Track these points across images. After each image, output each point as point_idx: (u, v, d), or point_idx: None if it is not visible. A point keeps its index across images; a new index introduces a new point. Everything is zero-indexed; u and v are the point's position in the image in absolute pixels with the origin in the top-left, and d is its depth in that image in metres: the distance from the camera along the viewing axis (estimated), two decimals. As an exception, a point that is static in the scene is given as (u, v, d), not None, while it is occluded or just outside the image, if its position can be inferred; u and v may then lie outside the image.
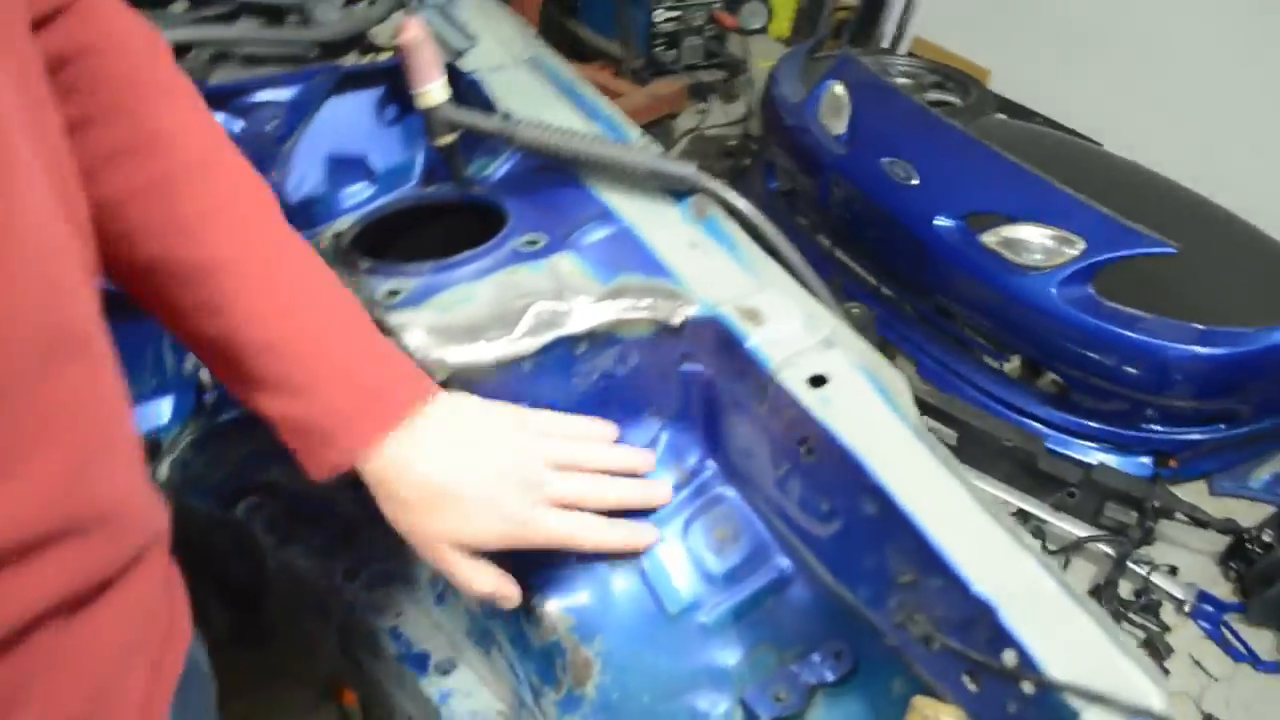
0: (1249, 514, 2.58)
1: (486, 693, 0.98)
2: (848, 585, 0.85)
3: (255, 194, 0.73)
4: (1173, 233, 2.52)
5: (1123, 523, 2.49)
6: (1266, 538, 2.43)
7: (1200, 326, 2.42)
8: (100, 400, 0.56)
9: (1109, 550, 2.41)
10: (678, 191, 1.02)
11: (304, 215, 1.17)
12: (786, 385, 0.84)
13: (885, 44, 4.46)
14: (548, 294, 0.89)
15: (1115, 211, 2.56)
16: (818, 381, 0.84)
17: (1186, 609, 2.39)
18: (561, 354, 0.89)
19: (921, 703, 0.83)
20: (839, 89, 3.12)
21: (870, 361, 0.87)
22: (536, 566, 0.95)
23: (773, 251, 0.97)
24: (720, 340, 0.89)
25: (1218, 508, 2.59)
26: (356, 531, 1.15)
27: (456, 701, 0.98)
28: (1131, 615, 2.33)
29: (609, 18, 3.92)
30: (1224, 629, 2.39)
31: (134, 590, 0.60)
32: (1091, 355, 2.52)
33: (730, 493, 0.95)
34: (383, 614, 1.06)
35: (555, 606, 0.93)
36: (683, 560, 0.94)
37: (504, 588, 0.79)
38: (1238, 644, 2.36)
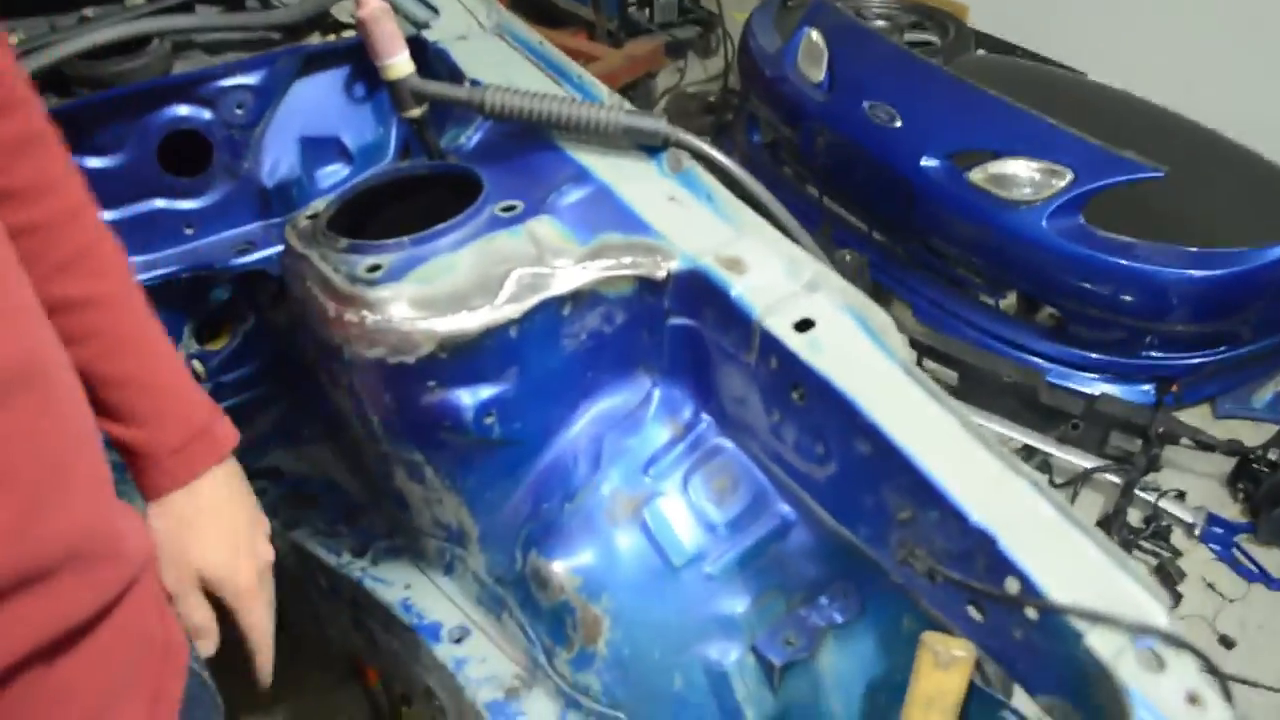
0: (1254, 435, 2.58)
1: (500, 657, 1.00)
2: (848, 526, 0.86)
3: (114, 240, 0.75)
4: (1160, 157, 2.51)
5: (1128, 451, 2.50)
6: (1273, 456, 2.44)
7: (1194, 249, 2.41)
8: (55, 433, 0.54)
9: (1116, 480, 2.42)
10: (652, 147, 1.02)
11: (281, 199, 1.17)
12: (773, 331, 0.84)
13: (861, -14, 4.42)
14: (528, 259, 0.90)
15: (1101, 140, 2.55)
16: (804, 326, 0.85)
17: (1196, 532, 2.40)
18: (547, 317, 0.89)
19: (931, 638, 0.84)
20: (815, 35, 3.10)
21: (856, 301, 0.87)
22: (540, 526, 0.96)
23: (751, 199, 0.97)
24: (704, 291, 0.90)
25: (1222, 430, 2.60)
26: (360, 511, 1.17)
27: (471, 668, 0.99)
28: (1142, 542, 2.35)
29: (580, -23, 3.89)
30: (1235, 550, 2.41)
31: (123, 623, 0.59)
32: (1087, 286, 2.51)
33: (727, 444, 0.96)
34: (392, 587, 1.07)
35: (562, 567, 0.94)
36: (684, 513, 0.95)
37: (211, 630, 0.81)
38: (1249, 564, 2.38)
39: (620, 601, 0.93)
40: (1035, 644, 0.73)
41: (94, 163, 1.04)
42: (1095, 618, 0.69)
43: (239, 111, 1.10)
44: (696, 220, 0.95)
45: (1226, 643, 2.22)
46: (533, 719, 0.95)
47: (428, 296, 0.87)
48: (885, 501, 0.80)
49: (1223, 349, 2.62)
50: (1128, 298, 2.49)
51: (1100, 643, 0.68)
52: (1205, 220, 2.48)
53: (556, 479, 0.97)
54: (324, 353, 0.94)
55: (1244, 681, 2.15)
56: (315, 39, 1.18)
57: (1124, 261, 2.44)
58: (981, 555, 0.74)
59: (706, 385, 0.96)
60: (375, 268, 0.88)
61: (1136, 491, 2.42)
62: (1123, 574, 0.72)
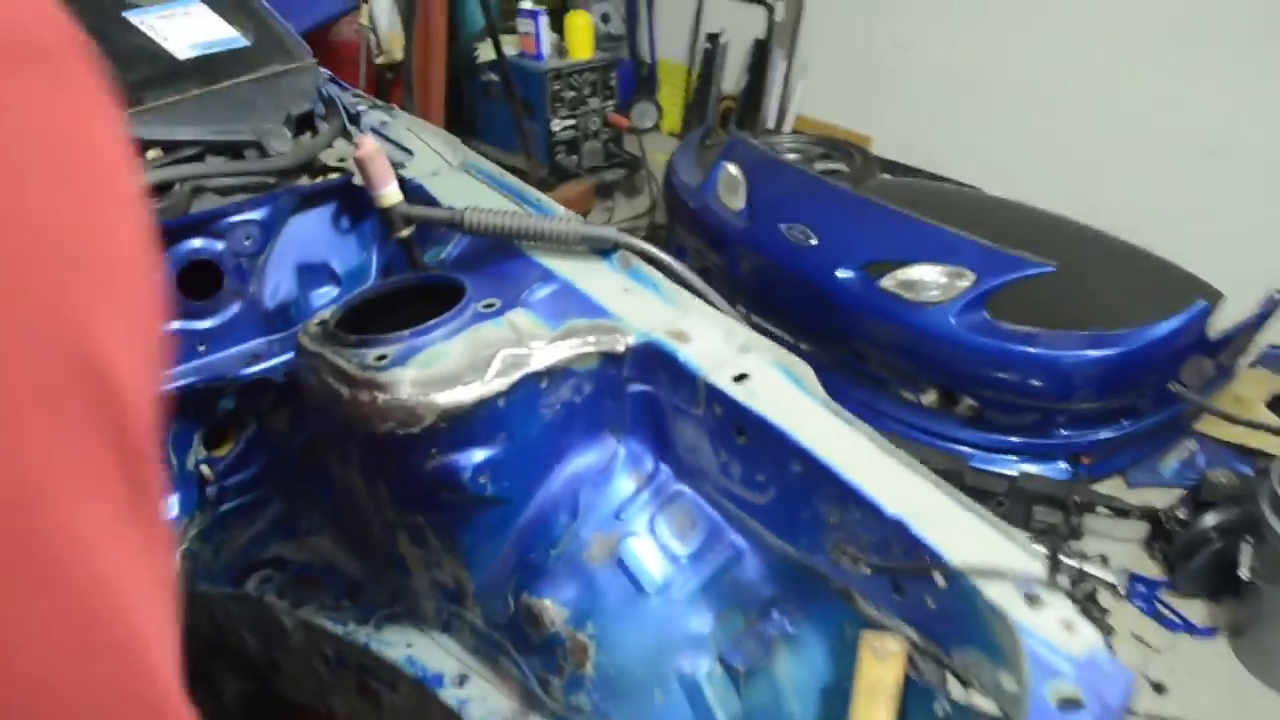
0: (1165, 500, 2.83)
1: (499, 694, 1.15)
2: (790, 540, 1.05)
3: None
4: (1051, 254, 2.83)
5: (1051, 524, 2.73)
6: (1182, 515, 2.68)
7: (1087, 333, 2.71)
8: None
9: (1043, 550, 2.63)
10: (604, 250, 1.24)
11: (281, 318, 1.36)
12: (717, 384, 1.04)
13: (770, 125, 4.85)
14: (509, 342, 1.09)
15: (997, 243, 2.87)
16: (741, 378, 1.05)
17: (1121, 592, 2.61)
18: (528, 390, 1.09)
19: (869, 635, 1.02)
20: (733, 168, 3.43)
21: (780, 357, 1.08)
22: (529, 572, 1.13)
23: (688, 285, 1.19)
24: (657, 360, 1.10)
25: (1135, 499, 2.84)
26: (360, 588, 1.32)
27: (474, 707, 1.14)
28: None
29: (509, 133, 4.21)
30: (1159, 604, 2.62)
31: None
32: (997, 375, 2.78)
33: (685, 489, 1.15)
34: (396, 646, 1.22)
35: (550, 603, 1.10)
36: (652, 549, 1.13)
37: None
38: (1173, 615, 2.59)
39: (603, 628, 1.10)
40: (946, 607, 0.92)
41: (125, 291, 1.22)
42: (988, 574, 0.88)
43: (247, 243, 1.30)
44: (646, 305, 1.16)
45: (1159, 688, 2.41)
46: (532, 743, 1.10)
47: (428, 377, 1.05)
48: (818, 511, 1.00)
49: (1126, 423, 2.89)
50: (1035, 382, 2.76)
51: (993, 593, 0.87)
52: (1095, 306, 2.79)
53: (541, 529, 1.14)
54: (338, 434, 1.11)
55: (1179, 725, 2.32)
56: (305, 181, 1.39)
57: (1028, 349, 2.72)
58: (897, 541, 0.93)
59: (664, 440, 1.15)
60: (382, 357, 1.07)
61: (1062, 558, 2.63)
62: (1007, 541, 0.91)
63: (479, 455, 1.08)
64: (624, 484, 1.16)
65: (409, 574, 1.21)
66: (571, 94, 4.32)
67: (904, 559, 0.93)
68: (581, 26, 4.35)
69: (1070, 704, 0.80)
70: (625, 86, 4.87)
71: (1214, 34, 3.39)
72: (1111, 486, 2.94)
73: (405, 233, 1.25)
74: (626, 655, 1.10)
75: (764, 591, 1.13)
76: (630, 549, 1.12)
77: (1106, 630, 2.51)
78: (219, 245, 1.28)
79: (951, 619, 0.93)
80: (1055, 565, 2.34)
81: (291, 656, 1.35)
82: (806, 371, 1.08)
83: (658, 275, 1.22)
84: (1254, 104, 3.35)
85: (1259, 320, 2.86)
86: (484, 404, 1.06)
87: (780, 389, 1.05)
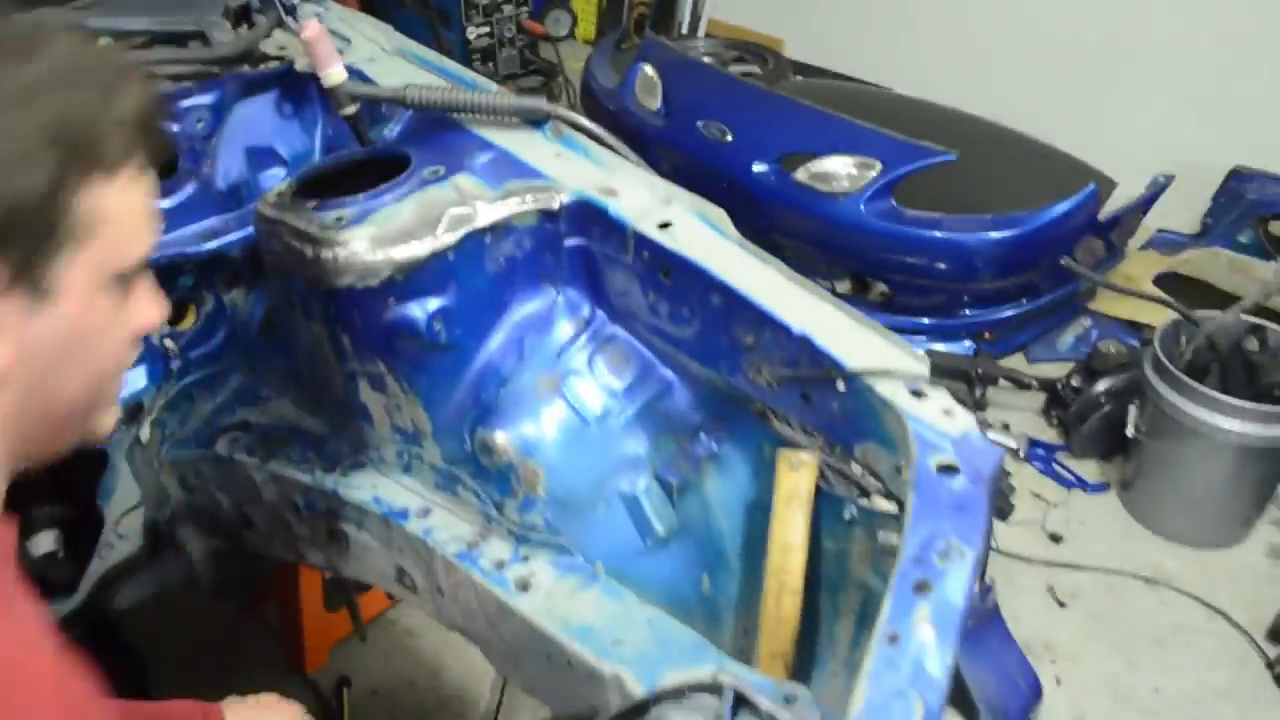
0: (1061, 373, 3.08)
1: (459, 522, 1.30)
2: (713, 366, 1.22)
3: None
4: (953, 144, 3.02)
5: (958, 396, 2.96)
6: (1076, 384, 2.93)
7: (988, 216, 2.92)
8: None
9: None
10: (536, 121, 1.37)
11: (233, 197, 1.47)
12: (644, 232, 1.19)
13: (683, 31, 4.94)
14: (455, 202, 1.22)
15: (903, 135, 3.04)
16: (664, 225, 1.20)
17: (1021, 454, 2.87)
18: (474, 245, 1.22)
19: (785, 451, 1.20)
20: (649, 70, 3.54)
21: (699, 206, 1.24)
22: (482, 410, 1.28)
23: (612, 149, 1.33)
24: (590, 214, 1.24)
25: (1035, 373, 3.09)
26: (323, 442, 1.45)
27: (437, 534, 1.29)
28: (976, 467, 2.79)
29: (424, 42, 4.21)
30: (1056, 465, 2.88)
31: None
32: (905, 259, 2.99)
33: (619, 331, 1.31)
34: (361, 489, 1.36)
35: (502, 436, 1.25)
36: (592, 385, 1.28)
37: None
38: (1068, 474, 2.85)
39: (551, 455, 1.25)
40: (847, 407, 1.09)
41: (87, 171, 1.32)
42: (880, 374, 1.05)
43: (199, 125, 1.40)
44: (577, 168, 1.30)
45: (1055, 538, 2.68)
46: (491, 557, 1.26)
47: (384, 234, 1.18)
48: (735, 337, 1.16)
49: (1025, 301, 3.12)
50: (940, 265, 2.98)
51: (885, 390, 1.05)
52: (994, 192, 3.00)
53: (491, 372, 1.29)
54: (302, 293, 1.24)
55: (1074, 566, 2.60)
56: (244, 69, 1.49)
57: (933, 233, 2.93)
58: (804, 354, 1.10)
59: (598, 288, 1.30)
60: (340, 219, 1.20)
61: (968, 427, 2.86)
62: (896, 349, 1.09)
63: (432, 304, 1.22)
64: (564, 329, 1.30)
65: (371, 422, 1.35)
66: (485, 1, 4.35)
67: (810, 370, 1.10)
68: (493, -69, 4.37)
69: (948, 469, 0.98)
70: (538, -5, 4.91)
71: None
72: (1014, 363, 3.19)
73: (350, 110, 1.36)
74: (573, 478, 1.26)
75: (692, 418, 1.30)
76: (571, 385, 1.28)
77: (1008, 490, 2.77)
78: (174, 128, 1.38)
79: (852, 418, 1.10)
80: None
81: (262, 510, 1.48)
82: (722, 216, 1.23)
83: (587, 142, 1.36)
84: (1141, 4, 3.57)
85: (1146, 202, 3.11)
86: (435, 257, 1.19)
87: (700, 233, 1.20)
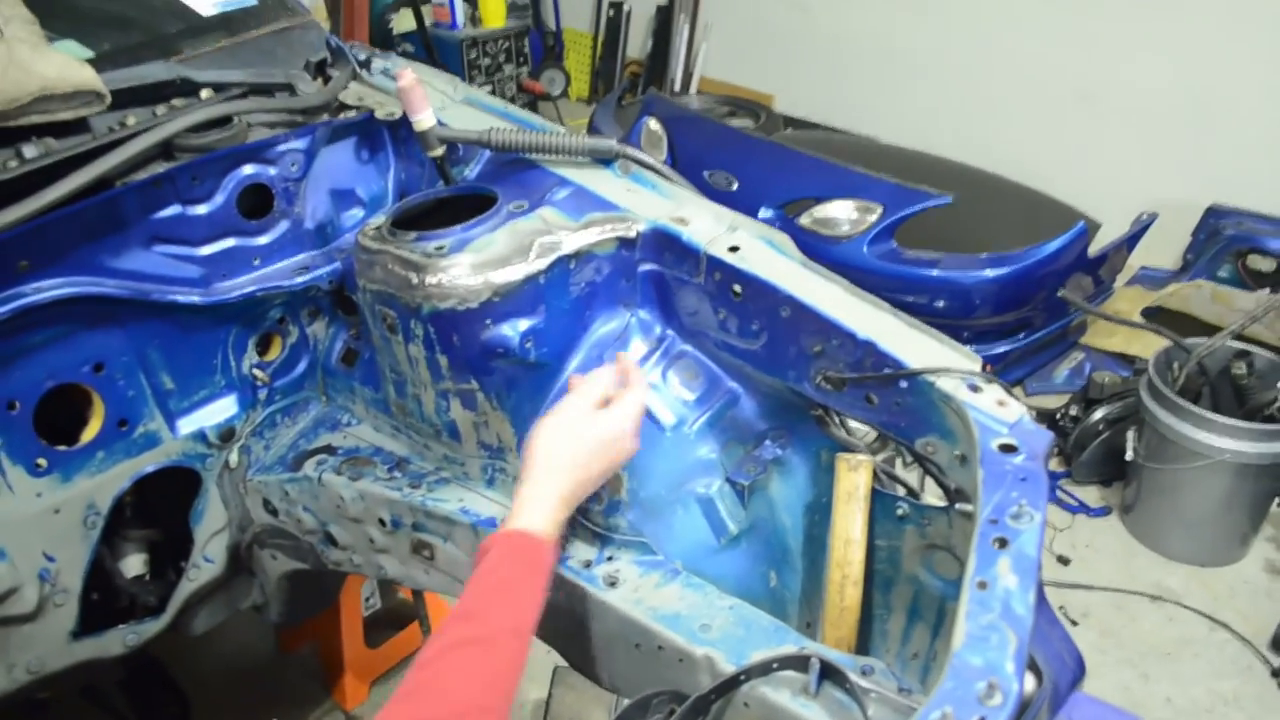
0: (1058, 405, 3.25)
1: (547, 526, 1.42)
2: (780, 375, 1.35)
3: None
4: (947, 189, 3.21)
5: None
6: (1074, 413, 3.10)
7: (984, 255, 3.10)
8: None
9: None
10: (606, 160, 1.52)
11: (320, 235, 1.60)
12: (716, 254, 1.34)
13: (676, 88, 5.16)
14: (542, 232, 1.37)
15: (899, 180, 3.23)
16: (734, 249, 1.35)
17: (1025, 482, 3.01)
18: (561, 270, 1.36)
19: (843, 457, 1.33)
20: (653, 124, 3.73)
21: (763, 231, 1.39)
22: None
23: (677, 184, 1.49)
24: (664, 241, 1.39)
25: (1034, 405, 3.26)
26: (407, 461, 1.57)
27: (527, 537, 1.41)
28: (984, 493, 2.93)
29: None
30: (1058, 492, 3.03)
31: None
32: (906, 298, 3.16)
33: (688, 348, 1.44)
34: (448, 502, 1.47)
35: (589, 445, 1.38)
36: (666, 397, 1.42)
37: None
38: (1071, 499, 3.00)
39: (632, 461, 1.38)
40: (908, 404, 1.23)
41: (196, 210, 1.45)
42: (939, 371, 1.20)
43: (293, 168, 1.53)
44: (647, 199, 1.45)
45: (1063, 561, 2.81)
46: (578, 558, 1.38)
47: (482, 260, 1.32)
48: (804, 346, 1.30)
49: (1021, 337, 3.30)
50: (940, 302, 3.15)
51: (944, 385, 1.19)
52: (989, 233, 3.19)
53: (574, 388, 1.42)
54: (404, 315, 1.37)
55: (1083, 587, 2.74)
56: (324, 117, 1.63)
57: (933, 272, 3.10)
58: (869, 358, 1.24)
59: (669, 309, 1.44)
60: (440, 247, 1.33)
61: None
62: (951, 350, 1.23)
63: (524, 324, 1.35)
64: (638, 347, 1.44)
65: (459, 439, 1.47)
66: (487, 61, 4.56)
67: (874, 372, 1.25)
68: (493, -5, 4.59)
69: (1008, 449, 1.12)
70: (535, 57, 5.12)
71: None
72: (1011, 395, 3.35)
73: (438, 152, 1.51)
74: (653, 482, 1.39)
75: (757, 426, 1.43)
76: (651, 399, 1.41)
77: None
78: (271, 170, 1.51)
79: (913, 413, 1.24)
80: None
81: (347, 528, 1.60)
82: (785, 240, 1.38)
83: (653, 177, 1.51)
84: (1117, 55, 3.81)
85: (1131, 239, 3.31)
86: (528, 280, 1.33)
87: (766, 254, 1.35)
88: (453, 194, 1.50)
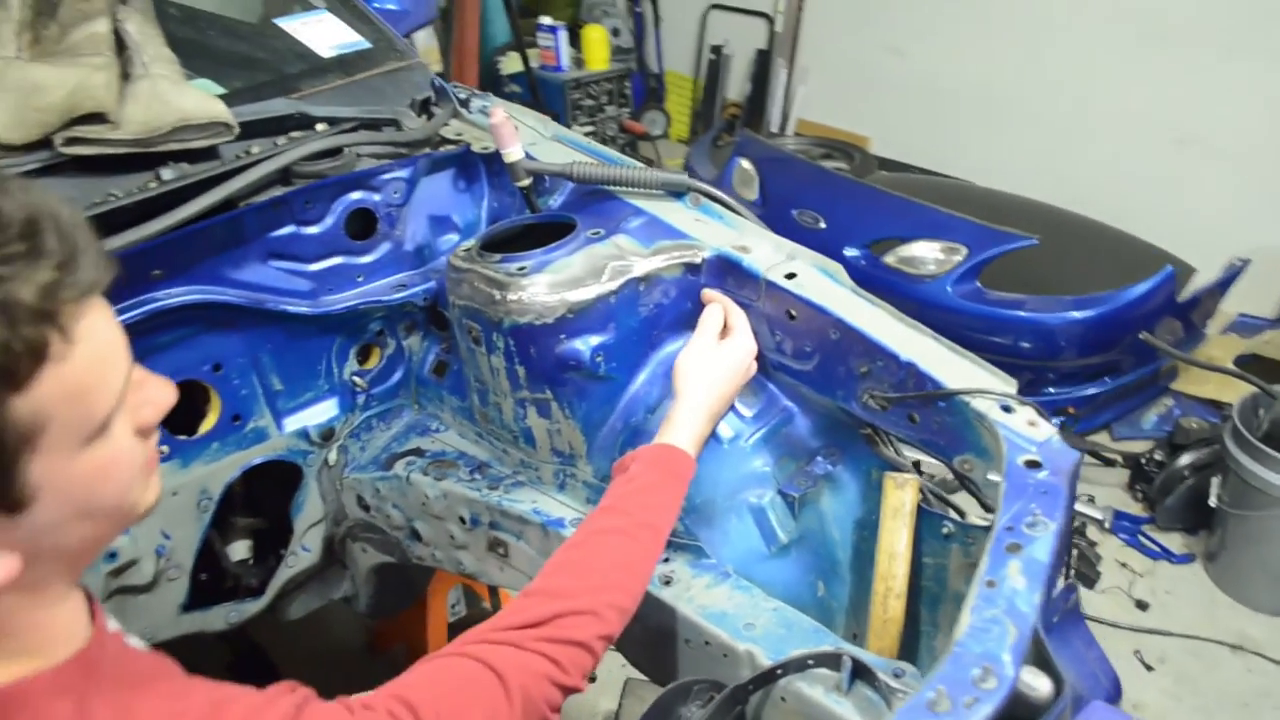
0: (1145, 450, 3.23)
1: (611, 528, 1.54)
2: (829, 394, 1.45)
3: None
4: (1033, 231, 3.25)
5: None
6: (1159, 458, 3.09)
7: (1070, 297, 3.13)
8: None
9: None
10: (678, 193, 1.65)
11: (418, 256, 1.77)
12: (774, 280, 1.45)
13: (773, 129, 5.29)
14: (616, 257, 1.50)
15: (985, 221, 3.29)
16: (791, 275, 1.46)
17: (1106, 525, 3.02)
18: (630, 291, 1.49)
19: (890, 475, 1.42)
20: (745, 163, 3.85)
21: (819, 261, 1.49)
22: (631, 432, 1.52)
23: (743, 216, 1.60)
24: (726, 267, 1.51)
25: (1119, 450, 3.25)
26: (488, 466, 1.71)
27: (591, 538, 1.53)
28: (1062, 534, 2.94)
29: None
30: (1140, 537, 3.02)
31: None
32: (991, 338, 3.20)
33: (748, 368, 1.56)
34: (522, 503, 1.61)
35: (650, 453, 1.50)
36: (726, 413, 1.53)
37: None
38: (1153, 545, 2.99)
39: (690, 470, 1.49)
40: (946, 423, 1.32)
41: (308, 230, 1.63)
42: (975, 392, 1.28)
43: (396, 195, 1.70)
44: (714, 230, 1.57)
45: (1141, 605, 2.81)
46: (639, 558, 1.49)
47: (559, 280, 1.46)
48: (851, 366, 1.40)
49: (1108, 381, 3.30)
50: (1025, 344, 3.18)
51: (979, 406, 1.27)
52: (1076, 275, 3.21)
53: (639, 401, 1.54)
54: (487, 328, 1.51)
55: (1161, 632, 2.73)
56: (429, 150, 1.80)
57: (1018, 313, 3.14)
58: (910, 379, 1.33)
59: (731, 331, 1.55)
60: (523, 268, 1.48)
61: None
62: (987, 373, 1.32)
63: (595, 340, 1.48)
64: (702, 365, 1.56)
65: (534, 444, 1.61)
66: (590, 102, 4.76)
67: (917, 392, 1.34)
68: (598, 39, 4.80)
69: (1033, 465, 1.20)
70: (636, 98, 5.31)
71: (1181, 42, 3.85)
72: (1098, 439, 3.35)
73: (525, 182, 1.66)
74: (709, 490, 1.49)
75: (810, 443, 1.53)
76: (709, 412, 1.52)
77: (1094, 558, 2.91)
78: (375, 196, 1.68)
79: (951, 432, 1.33)
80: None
81: (430, 524, 1.74)
82: (839, 269, 1.49)
83: (720, 209, 1.63)
84: (1214, 101, 3.80)
85: (1222, 284, 3.29)
86: (600, 300, 1.46)
87: (820, 281, 1.45)
88: (537, 221, 1.64)
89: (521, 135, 1.84)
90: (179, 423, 1.61)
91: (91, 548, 0.83)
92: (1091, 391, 3.29)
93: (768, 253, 1.51)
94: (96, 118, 1.47)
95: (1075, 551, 2.92)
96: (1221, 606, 2.81)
